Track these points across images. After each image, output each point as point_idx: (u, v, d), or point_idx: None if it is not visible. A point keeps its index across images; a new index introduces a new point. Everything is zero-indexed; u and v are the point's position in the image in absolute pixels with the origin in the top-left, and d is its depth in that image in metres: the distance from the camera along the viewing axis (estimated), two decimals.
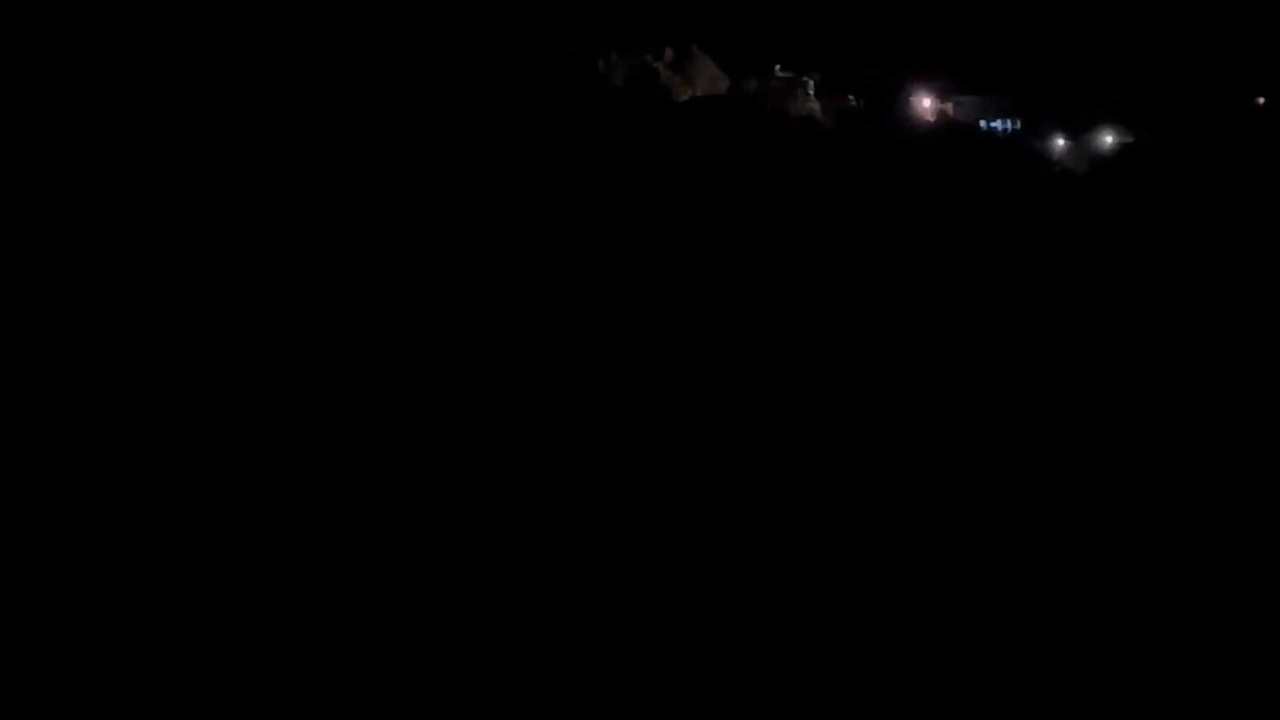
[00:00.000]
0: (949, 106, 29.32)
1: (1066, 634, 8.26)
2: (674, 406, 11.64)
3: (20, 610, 7.53)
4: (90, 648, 7.35)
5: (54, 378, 9.88)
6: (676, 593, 8.40)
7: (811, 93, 28.22)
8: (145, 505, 8.65)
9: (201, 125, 14.20)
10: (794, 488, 10.04)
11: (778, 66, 28.43)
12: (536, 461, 10.01)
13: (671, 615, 8.12)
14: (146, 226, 12.23)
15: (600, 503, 9.47)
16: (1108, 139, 28.42)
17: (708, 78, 27.41)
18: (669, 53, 27.47)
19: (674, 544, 8.99)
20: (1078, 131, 28.74)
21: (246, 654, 7.43)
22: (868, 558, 9.07)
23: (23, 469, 8.73)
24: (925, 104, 28.80)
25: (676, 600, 8.30)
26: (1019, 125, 29.34)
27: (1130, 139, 28.02)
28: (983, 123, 29.23)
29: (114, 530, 8.37)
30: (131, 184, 12.78)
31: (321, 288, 12.25)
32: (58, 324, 10.57)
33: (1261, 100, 29.18)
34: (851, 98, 28.39)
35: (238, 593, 7.97)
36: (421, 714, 7.28)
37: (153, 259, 11.78)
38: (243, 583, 8.04)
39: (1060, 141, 28.77)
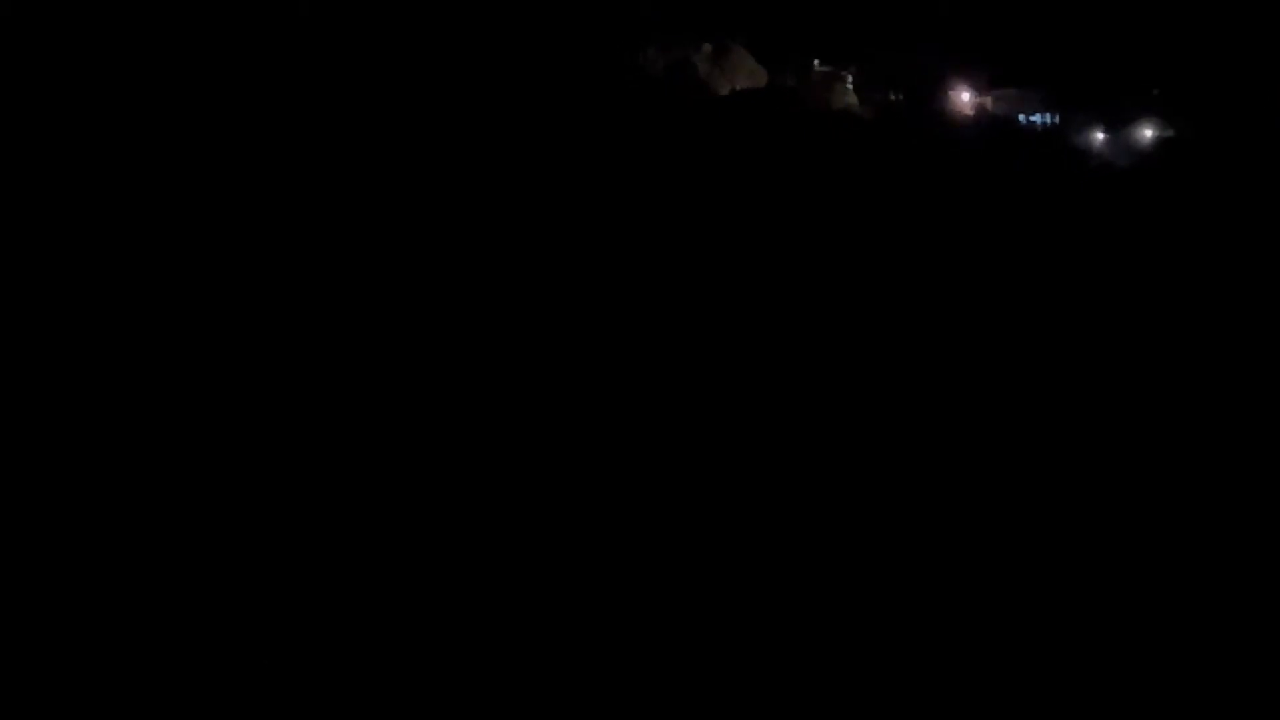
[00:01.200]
0: (988, 100, 29.15)
1: (1066, 634, 8.37)
2: (699, 406, 11.76)
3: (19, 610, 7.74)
4: (89, 647, 7.52)
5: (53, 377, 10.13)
6: (675, 593, 8.52)
7: (850, 87, 28.21)
8: (144, 505, 8.87)
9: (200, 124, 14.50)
10: (795, 488, 10.16)
11: (816, 60, 28.43)
12: (535, 462, 10.15)
13: (670, 615, 8.25)
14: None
15: (599, 502, 9.61)
16: (1148, 133, 28.14)
17: (746, 71, 27.44)
18: (707, 46, 27.54)
19: (672, 544, 9.12)
20: (1118, 125, 28.45)
21: (244, 654, 7.58)
22: (867, 558, 9.19)
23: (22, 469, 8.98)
24: (964, 98, 28.68)
25: (675, 600, 8.43)
26: (1058, 119, 29.08)
27: (1171, 133, 27.76)
28: (1021, 117, 29.02)
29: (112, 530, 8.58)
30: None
31: (327, 287, 12.51)
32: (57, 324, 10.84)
33: None
34: (890, 92, 28.34)
35: (236, 592, 8.13)
36: (420, 714, 7.41)
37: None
38: (240, 582, 8.22)
39: (1100, 135, 28.49)
